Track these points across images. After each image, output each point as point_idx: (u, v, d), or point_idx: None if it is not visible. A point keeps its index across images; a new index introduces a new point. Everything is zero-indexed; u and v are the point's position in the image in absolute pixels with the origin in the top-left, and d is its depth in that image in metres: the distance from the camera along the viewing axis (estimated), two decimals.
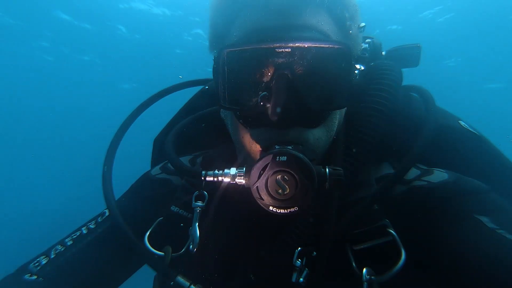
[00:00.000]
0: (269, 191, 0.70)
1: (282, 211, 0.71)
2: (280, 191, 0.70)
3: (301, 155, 0.71)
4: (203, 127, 1.22)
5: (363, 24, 0.99)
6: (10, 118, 21.40)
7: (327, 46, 0.82)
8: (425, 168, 0.95)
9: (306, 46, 0.80)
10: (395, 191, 0.90)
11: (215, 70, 0.92)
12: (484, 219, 0.75)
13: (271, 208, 0.71)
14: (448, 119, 1.12)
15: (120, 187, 1.18)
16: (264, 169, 0.71)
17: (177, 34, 12.20)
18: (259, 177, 0.71)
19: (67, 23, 11.66)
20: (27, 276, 0.90)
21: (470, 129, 1.10)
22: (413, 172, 0.93)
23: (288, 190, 0.69)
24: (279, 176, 0.70)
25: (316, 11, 0.85)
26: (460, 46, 12.10)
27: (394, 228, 0.83)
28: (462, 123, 1.11)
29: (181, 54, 14.04)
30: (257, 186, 0.71)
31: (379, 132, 0.91)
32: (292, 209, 0.71)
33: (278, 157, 0.70)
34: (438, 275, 0.78)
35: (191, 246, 0.91)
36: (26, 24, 11.56)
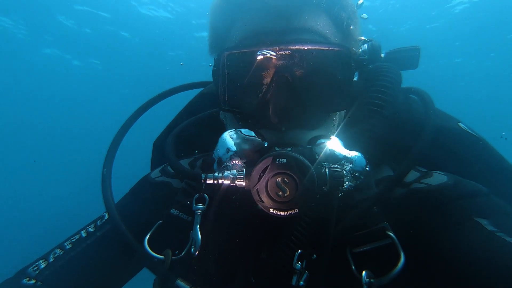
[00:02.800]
0: (269, 193, 0.70)
1: (282, 213, 0.71)
2: (280, 193, 0.69)
3: (300, 157, 0.71)
4: (202, 129, 1.21)
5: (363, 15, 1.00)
6: (11, 120, 21.45)
7: (327, 48, 0.83)
8: (425, 170, 0.95)
9: (305, 48, 0.80)
10: (394, 193, 0.90)
11: (215, 72, 0.92)
12: (484, 222, 0.75)
13: (271, 210, 0.71)
14: (448, 121, 1.12)
15: (120, 190, 1.18)
16: (264, 171, 0.71)
17: (180, 37, 12.23)
18: (259, 179, 0.71)
19: (70, 28, 11.74)
20: (25, 281, 0.90)
21: (470, 131, 1.10)
22: (412, 175, 0.93)
23: (288, 192, 0.69)
24: (279, 178, 0.70)
25: (314, 13, 0.86)
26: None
27: (393, 231, 0.83)
28: (461, 125, 1.11)
29: (185, 58, 14.10)
30: (257, 189, 0.71)
31: (378, 134, 0.91)
32: (292, 211, 0.70)
33: (278, 159, 0.70)
34: (437, 278, 0.78)
35: (192, 249, 0.90)
36: (31, 30, 11.66)
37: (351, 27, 0.94)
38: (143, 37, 12.68)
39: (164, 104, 1.33)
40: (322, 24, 0.87)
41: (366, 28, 1.11)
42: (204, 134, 1.22)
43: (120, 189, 1.24)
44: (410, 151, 0.88)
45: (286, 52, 0.80)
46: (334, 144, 0.82)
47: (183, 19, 11.13)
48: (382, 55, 1.14)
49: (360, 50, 1.07)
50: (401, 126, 1.00)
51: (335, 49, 0.83)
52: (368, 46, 1.09)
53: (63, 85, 17.35)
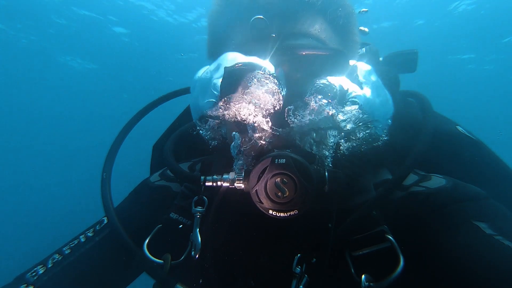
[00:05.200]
0: (268, 194, 0.70)
1: (281, 214, 0.70)
2: (279, 194, 0.69)
3: (299, 158, 0.71)
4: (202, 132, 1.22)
5: (364, 28, 1.00)
6: (12, 124, 21.50)
7: (324, 53, 0.84)
8: (423, 173, 0.95)
9: (303, 53, 0.81)
10: (393, 196, 0.90)
11: None
12: (482, 225, 0.75)
13: (270, 211, 0.71)
14: (446, 124, 1.12)
15: (119, 193, 1.17)
16: (263, 172, 0.71)
17: (180, 40, 12.28)
18: (258, 181, 0.71)
19: (71, 31, 11.79)
20: (23, 287, 0.89)
21: (468, 135, 1.10)
22: (411, 178, 0.93)
23: (287, 193, 0.69)
24: (278, 178, 0.70)
25: (311, 18, 0.87)
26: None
27: (392, 234, 0.83)
28: (459, 128, 1.12)
29: (186, 60, 14.15)
30: (256, 190, 0.71)
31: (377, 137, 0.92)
32: (291, 213, 0.70)
33: (276, 159, 0.70)
34: (436, 281, 0.77)
35: (193, 252, 0.90)
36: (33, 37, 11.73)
37: (349, 26, 0.95)
38: (143, 41, 12.72)
39: (164, 107, 1.33)
40: (319, 29, 0.87)
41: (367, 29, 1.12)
42: (204, 138, 1.22)
43: (120, 192, 1.24)
44: (408, 154, 0.88)
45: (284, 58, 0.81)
46: (339, 80, 0.81)
47: (184, 21, 11.18)
48: (380, 59, 1.15)
49: (358, 49, 1.08)
50: (399, 129, 1.00)
51: (332, 54, 0.84)
52: (366, 50, 1.10)
53: (64, 89, 17.44)
